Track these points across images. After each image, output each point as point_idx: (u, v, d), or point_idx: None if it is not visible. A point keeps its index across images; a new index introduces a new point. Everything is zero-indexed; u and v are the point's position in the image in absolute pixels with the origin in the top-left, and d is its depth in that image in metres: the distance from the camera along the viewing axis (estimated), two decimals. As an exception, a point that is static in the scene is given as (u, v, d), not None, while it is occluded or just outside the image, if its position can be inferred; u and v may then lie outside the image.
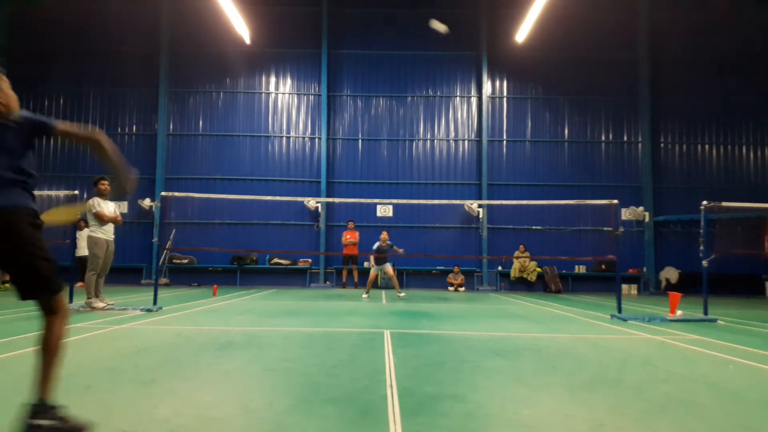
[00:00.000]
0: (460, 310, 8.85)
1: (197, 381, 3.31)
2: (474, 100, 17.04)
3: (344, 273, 15.46)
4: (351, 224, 15.39)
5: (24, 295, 2.25)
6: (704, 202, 8.17)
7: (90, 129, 2.43)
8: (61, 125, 2.36)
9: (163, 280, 15.32)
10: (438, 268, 16.25)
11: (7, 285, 11.46)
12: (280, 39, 17.06)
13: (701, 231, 8.20)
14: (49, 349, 2.21)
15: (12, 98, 2.34)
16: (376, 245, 11.79)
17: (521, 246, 15.64)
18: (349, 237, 15.16)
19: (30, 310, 7.40)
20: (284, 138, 16.86)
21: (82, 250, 11.32)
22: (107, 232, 7.74)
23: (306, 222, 16.37)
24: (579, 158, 16.77)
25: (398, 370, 3.68)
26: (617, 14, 16.97)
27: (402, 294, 11.84)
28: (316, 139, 16.75)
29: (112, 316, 6.74)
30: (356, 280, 15.34)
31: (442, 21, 17.17)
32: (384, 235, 11.88)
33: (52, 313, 2.24)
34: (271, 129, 16.90)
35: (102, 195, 7.76)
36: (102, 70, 16.86)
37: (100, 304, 7.53)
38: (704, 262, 7.95)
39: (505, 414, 2.68)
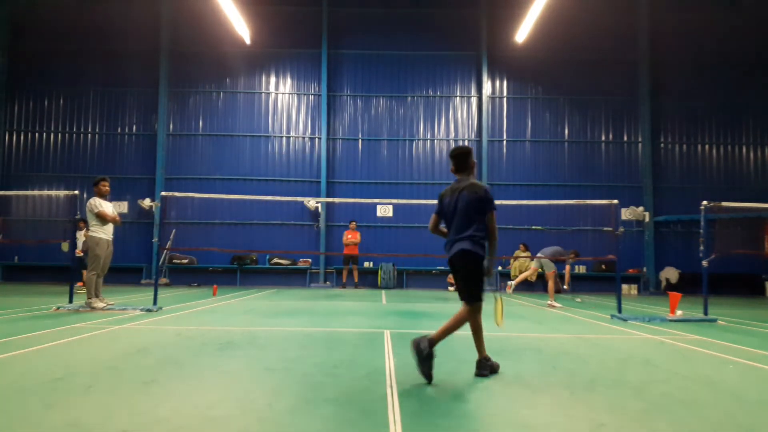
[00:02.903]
0: (460, 310, 8.81)
1: (197, 381, 3.31)
2: (474, 100, 17.04)
3: (344, 273, 15.45)
4: (353, 224, 15.38)
5: (461, 296, 3.73)
6: (704, 202, 8.16)
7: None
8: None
9: (163, 280, 15.30)
10: (438, 268, 16.24)
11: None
12: (280, 39, 17.05)
13: (701, 231, 8.19)
14: (473, 329, 3.62)
15: None
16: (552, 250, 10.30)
17: (522, 245, 15.58)
18: (350, 237, 15.17)
19: (28, 310, 7.40)
20: (284, 138, 16.85)
21: (82, 250, 11.34)
22: (107, 232, 7.75)
23: (306, 222, 16.36)
24: (579, 158, 16.76)
25: (398, 370, 3.68)
26: (617, 15, 16.95)
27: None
28: (316, 139, 16.75)
29: (112, 316, 6.74)
30: (356, 280, 15.33)
31: (442, 21, 17.26)
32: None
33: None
34: (271, 129, 16.89)
35: (102, 195, 7.77)
36: (102, 70, 16.84)
37: (100, 304, 7.53)
38: (704, 262, 7.94)
39: (505, 414, 2.68)
